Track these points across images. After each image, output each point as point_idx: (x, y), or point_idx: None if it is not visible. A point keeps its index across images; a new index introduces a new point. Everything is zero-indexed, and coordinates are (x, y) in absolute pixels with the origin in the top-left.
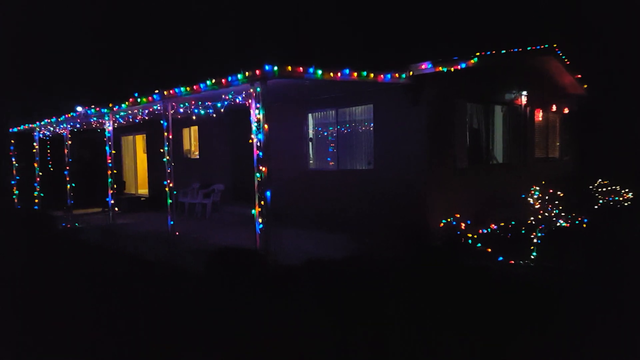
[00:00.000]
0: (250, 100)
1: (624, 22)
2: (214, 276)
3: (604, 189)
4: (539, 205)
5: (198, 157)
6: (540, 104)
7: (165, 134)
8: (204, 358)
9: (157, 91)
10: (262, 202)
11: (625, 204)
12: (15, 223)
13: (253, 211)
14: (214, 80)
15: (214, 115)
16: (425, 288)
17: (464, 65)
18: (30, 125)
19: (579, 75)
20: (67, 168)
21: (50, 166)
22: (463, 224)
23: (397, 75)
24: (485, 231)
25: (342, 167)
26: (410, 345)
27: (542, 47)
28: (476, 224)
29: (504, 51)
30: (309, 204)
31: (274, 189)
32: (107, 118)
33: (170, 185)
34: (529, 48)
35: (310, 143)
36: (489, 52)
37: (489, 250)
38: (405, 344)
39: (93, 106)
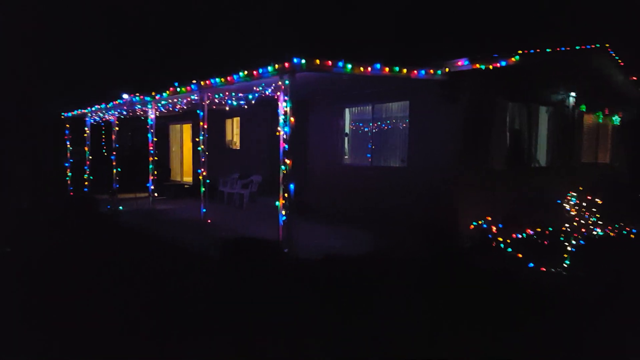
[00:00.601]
0: (279, 93)
1: None
2: (228, 263)
3: None
4: (575, 212)
5: (239, 147)
6: (592, 106)
7: (201, 123)
8: (185, 338)
9: (194, 81)
10: (286, 195)
11: None
12: (62, 205)
13: (277, 203)
14: (246, 72)
15: (246, 106)
16: (435, 288)
17: (504, 63)
18: (82, 111)
19: (635, 78)
20: (114, 153)
21: (104, 151)
22: (494, 227)
23: (432, 71)
24: (519, 236)
25: (376, 164)
26: (401, 339)
27: (593, 46)
28: (509, 228)
29: (549, 50)
30: (343, 199)
31: (309, 182)
32: (149, 106)
33: (204, 173)
34: (577, 47)
35: (345, 138)
36: (532, 51)
37: (520, 255)
38: (397, 338)
39: (137, 94)
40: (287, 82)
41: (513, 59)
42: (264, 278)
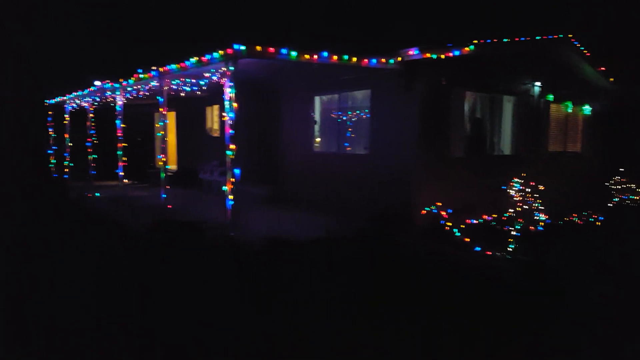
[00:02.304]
0: (224, 79)
1: None
2: (158, 242)
3: (621, 187)
4: (519, 198)
5: (219, 135)
6: (559, 96)
7: (161, 109)
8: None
9: (154, 68)
10: (232, 180)
11: None
12: (35, 190)
13: (224, 187)
14: (197, 58)
15: (199, 92)
16: (364, 271)
17: (457, 53)
18: (62, 98)
19: (603, 68)
20: (89, 140)
21: (94, 138)
22: (444, 213)
23: (384, 60)
24: (474, 221)
25: (342, 151)
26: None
27: (556, 37)
28: (462, 214)
29: (506, 40)
30: (313, 186)
31: (283, 170)
32: (118, 93)
33: (164, 159)
34: (538, 38)
35: (315, 126)
36: (488, 41)
37: (467, 240)
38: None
39: (107, 81)
40: (231, 67)
41: (467, 48)
42: (188, 258)
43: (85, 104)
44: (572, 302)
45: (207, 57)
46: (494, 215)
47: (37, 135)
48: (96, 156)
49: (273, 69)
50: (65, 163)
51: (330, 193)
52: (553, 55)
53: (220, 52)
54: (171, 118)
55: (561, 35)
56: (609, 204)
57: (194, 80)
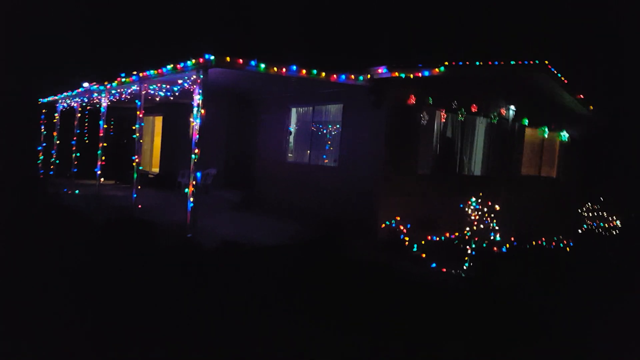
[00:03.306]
0: (194, 87)
1: (632, 43)
2: (110, 239)
3: (592, 214)
4: (475, 216)
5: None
6: (535, 121)
7: (138, 112)
8: None
9: (135, 72)
10: (194, 182)
11: (612, 231)
12: (18, 184)
13: (186, 190)
14: (172, 66)
15: (172, 97)
16: (303, 280)
17: (427, 73)
18: (54, 97)
19: (581, 96)
20: (75, 139)
21: (85, 138)
22: (402, 227)
23: (352, 76)
24: (435, 238)
25: (314, 162)
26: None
27: (531, 62)
28: (424, 230)
29: (478, 63)
30: (286, 194)
31: (258, 178)
32: (103, 95)
33: (137, 161)
34: (512, 62)
35: (290, 137)
36: (460, 63)
37: (423, 255)
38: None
39: (94, 83)
40: (201, 76)
41: (437, 69)
42: (133, 255)
43: (75, 104)
44: (496, 318)
45: (181, 64)
46: (456, 234)
47: (30, 132)
48: (79, 154)
49: (252, 80)
50: (52, 160)
51: (299, 202)
52: (529, 80)
53: (193, 60)
54: (158, 122)
55: (537, 61)
56: (579, 230)
57: (168, 86)
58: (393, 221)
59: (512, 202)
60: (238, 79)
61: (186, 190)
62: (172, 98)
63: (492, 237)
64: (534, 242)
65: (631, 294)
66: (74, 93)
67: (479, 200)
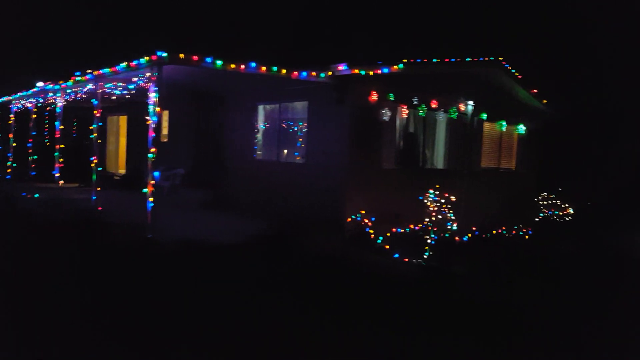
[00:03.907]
0: (149, 84)
1: (585, 39)
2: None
3: (548, 202)
4: (433, 208)
5: (167, 140)
6: (493, 115)
7: (95, 112)
8: None
9: (89, 71)
10: (153, 182)
11: (566, 218)
12: None
13: (145, 190)
14: (126, 63)
15: (128, 96)
16: (264, 272)
17: (387, 70)
18: (7, 98)
19: (535, 90)
20: (30, 141)
21: (47, 140)
22: (367, 220)
23: (314, 73)
24: (400, 230)
25: (282, 160)
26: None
27: (486, 59)
28: (390, 223)
29: (436, 60)
30: (256, 192)
31: (227, 176)
32: (58, 95)
33: (95, 161)
34: (468, 59)
35: (258, 134)
36: (418, 60)
37: (387, 247)
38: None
39: (49, 82)
40: (155, 73)
41: (396, 66)
42: (87, 256)
43: (30, 105)
44: (448, 302)
45: (135, 62)
46: (419, 225)
47: None
48: (37, 157)
49: (215, 77)
50: (8, 163)
51: (268, 200)
52: (485, 77)
53: (147, 57)
54: (123, 122)
55: (492, 58)
56: (536, 219)
57: (124, 85)
58: (358, 215)
59: (473, 194)
60: (200, 76)
61: (144, 190)
62: (130, 97)
63: (449, 228)
64: (494, 231)
65: (578, 276)
66: (28, 93)
67: (439, 193)
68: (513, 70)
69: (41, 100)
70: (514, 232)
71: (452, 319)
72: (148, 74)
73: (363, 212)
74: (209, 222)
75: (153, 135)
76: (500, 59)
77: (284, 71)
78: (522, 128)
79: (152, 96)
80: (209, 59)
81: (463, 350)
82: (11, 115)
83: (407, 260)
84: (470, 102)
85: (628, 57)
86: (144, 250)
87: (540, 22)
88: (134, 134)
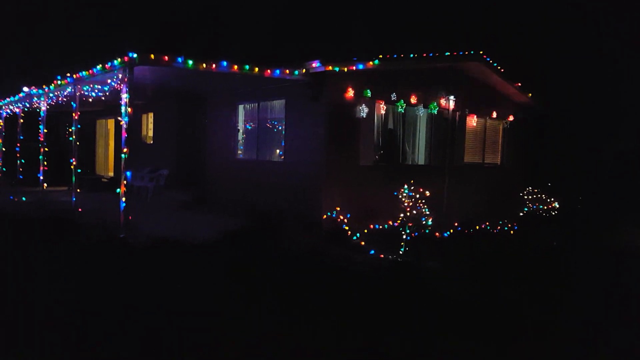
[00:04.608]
0: (122, 85)
1: (572, 31)
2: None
3: (533, 197)
4: (408, 203)
5: (152, 142)
6: (476, 109)
7: (74, 114)
8: None
9: (69, 74)
10: (125, 182)
11: (552, 212)
12: None
13: (118, 190)
14: (101, 65)
15: (103, 98)
16: (235, 268)
17: (362, 67)
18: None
19: (519, 84)
20: (18, 145)
21: (42, 144)
22: (343, 217)
23: (287, 71)
24: (378, 227)
25: (262, 158)
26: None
27: (467, 53)
28: (367, 219)
29: (413, 55)
30: (233, 190)
31: (208, 176)
32: (42, 99)
33: (75, 163)
34: (447, 54)
35: (238, 133)
36: (395, 56)
37: (362, 243)
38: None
39: (33, 87)
40: (128, 74)
41: (371, 62)
42: (57, 254)
43: (17, 110)
44: (415, 297)
45: (109, 64)
46: (398, 222)
47: None
48: (24, 161)
49: (190, 77)
50: None
51: (249, 198)
52: (468, 71)
53: (119, 59)
54: (111, 125)
55: (472, 52)
56: (520, 214)
57: (99, 87)
58: (334, 212)
59: (455, 190)
60: (182, 78)
61: (118, 190)
62: (103, 98)
63: (423, 222)
64: (477, 227)
65: (558, 271)
66: (15, 98)
67: (419, 189)
68: (495, 64)
69: (27, 105)
70: (498, 227)
71: (416, 313)
72: (121, 75)
73: (338, 208)
74: (186, 222)
75: (125, 135)
76: (481, 52)
77: (256, 69)
78: (507, 122)
79: (124, 97)
80: (179, 59)
81: (422, 345)
82: (0, 121)
83: (382, 256)
84: (452, 97)
85: (617, 48)
86: (113, 249)
87: (524, 14)
88: (120, 137)
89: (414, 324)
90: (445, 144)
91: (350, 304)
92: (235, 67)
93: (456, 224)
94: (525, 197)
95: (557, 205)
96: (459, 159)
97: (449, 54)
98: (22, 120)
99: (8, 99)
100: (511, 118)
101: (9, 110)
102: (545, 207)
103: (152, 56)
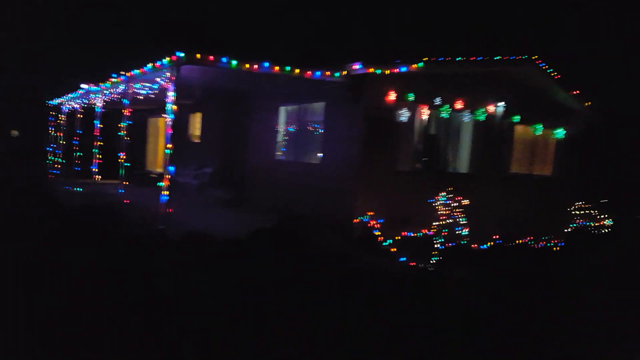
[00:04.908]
0: (169, 83)
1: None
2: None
3: (583, 212)
4: (443, 212)
5: (199, 141)
6: (527, 118)
7: (124, 111)
8: None
9: (123, 72)
10: (168, 177)
11: (603, 230)
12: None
13: (160, 183)
14: (152, 64)
15: (152, 96)
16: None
17: (405, 69)
18: (60, 100)
19: (576, 92)
20: (76, 139)
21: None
22: (374, 222)
23: (328, 73)
24: (411, 234)
25: (299, 160)
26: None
27: (518, 57)
28: (400, 226)
29: (459, 58)
30: (271, 191)
31: (249, 176)
32: (98, 95)
33: (124, 157)
34: (497, 58)
35: (279, 135)
36: (440, 59)
37: (393, 250)
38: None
39: (91, 84)
40: (174, 73)
41: (415, 65)
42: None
43: (77, 106)
44: (438, 307)
45: (159, 62)
46: (434, 230)
47: (40, 133)
48: (81, 154)
49: (235, 78)
50: (59, 160)
51: (285, 199)
52: (519, 76)
53: (168, 58)
54: (161, 124)
55: (525, 57)
56: (566, 230)
57: (149, 85)
58: (366, 216)
59: (498, 201)
60: (228, 79)
61: (160, 183)
62: (152, 96)
63: (458, 232)
64: (519, 241)
65: (598, 291)
66: (75, 95)
67: (457, 197)
68: (550, 70)
69: (85, 102)
70: (542, 242)
71: (435, 323)
72: (169, 74)
73: (370, 213)
74: (222, 219)
75: (170, 132)
76: (535, 57)
77: (297, 71)
78: (561, 132)
79: (170, 95)
80: (224, 59)
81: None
82: (62, 116)
83: (412, 264)
84: (501, 104)
85: None
86: (149, 238)
87: (583, 16)
88: (171, 135)
89: (421, 333)
90: (490, 152)
91: (364, 308)
92: (277, 68)
93: (496, 237)
94: (575, 212)
95: (610, 223)
96: (504, 169)
97: (499, 58)
98: (80, 116)
99: (68, 96)
100: (565, 128)
101: (69, 106)
102: (596, 224)
103: (199, 56)
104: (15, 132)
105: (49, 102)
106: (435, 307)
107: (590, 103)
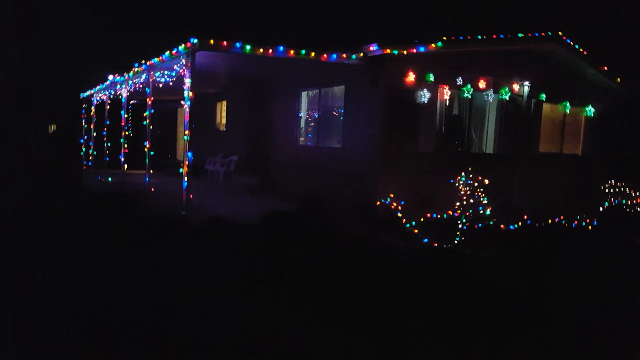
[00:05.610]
0: (185, 70)
1: None
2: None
3: (616, 190)
4: (465, 191)
5: (225, 129)
6: (554, 95)
7: (147, 99)
8: None
9: (143, 61)
10: (186, 162)
11: (637, 208)
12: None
13: (181, 170)
14: (169, 52)
15: (171, 83)
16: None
17: (423, 49)
18: (90, 92)
19: (604, 68)
20: (105, 130)
21: (129, 131)
22: (396, 204)
23: (344, 55)
24: (435, 215)
25: (321, 144)
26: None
27: (543, 34)
28: (423, 208)
29: (480, 37)
30: (294, 176)
31: (273, 162)
32: (123, 86)
33: (148, 146)
34: (520, 35)
35: (300, 120)
36: (461, 37)
37: (416, 231)
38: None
39: (117, 75)
40: (189, 60)
41: (434, 45)
42: (117, 224)
43: (105, 97)
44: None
45: (175, 50)
46: (459, 212)
47: (73, 125)
48: (110, 144)
49: (252, 64)
50: (90, 151)
51: (308, 183)
52: (545, 54)
53: (183, 45)
54: None
55: (550, 33)
56: (600, 208)
57: (167, 73)
58: (387, 199)
59: (527, 180)
60: (239, 64)
61: (181, 170)
62: (171, 83)
63: (481, 212)
64: (550, 221)
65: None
66: (103, 86)
67: (479, 177)
68: (576, 46)
69: (113, 93)
70: (574, 222)
71: (452, 302)
72: (184, 61)
73: (392, 195)
74: (246, 204)
75: (187, 119)
76: (560, 33)
77: (312, 54)
78: (590, 110)
79: (187, 82)
80: (237, 44)
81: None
82: (92, 108)
83: (435, 245)
84: (527, 82)
85: None
86: (171, 223)
87: None
88: (197, 123)
89: (434, 310)
90: (517, 132)
91: (381, 287)
92: (292, 51)
93: (525, 217)
94: (608, 190)
95: None
96: (533, 149)
97: (522, 35)
98: (108, 107)
99: (97, 87)
100: (595, 105)
101: (98, 98)
102: (631, 202)
103: (212, 41)
104: (53, 127)
105: (81, 94)
106: (457, 284)
107: (620, 79)
